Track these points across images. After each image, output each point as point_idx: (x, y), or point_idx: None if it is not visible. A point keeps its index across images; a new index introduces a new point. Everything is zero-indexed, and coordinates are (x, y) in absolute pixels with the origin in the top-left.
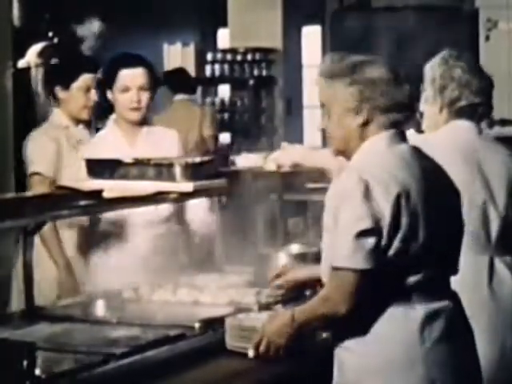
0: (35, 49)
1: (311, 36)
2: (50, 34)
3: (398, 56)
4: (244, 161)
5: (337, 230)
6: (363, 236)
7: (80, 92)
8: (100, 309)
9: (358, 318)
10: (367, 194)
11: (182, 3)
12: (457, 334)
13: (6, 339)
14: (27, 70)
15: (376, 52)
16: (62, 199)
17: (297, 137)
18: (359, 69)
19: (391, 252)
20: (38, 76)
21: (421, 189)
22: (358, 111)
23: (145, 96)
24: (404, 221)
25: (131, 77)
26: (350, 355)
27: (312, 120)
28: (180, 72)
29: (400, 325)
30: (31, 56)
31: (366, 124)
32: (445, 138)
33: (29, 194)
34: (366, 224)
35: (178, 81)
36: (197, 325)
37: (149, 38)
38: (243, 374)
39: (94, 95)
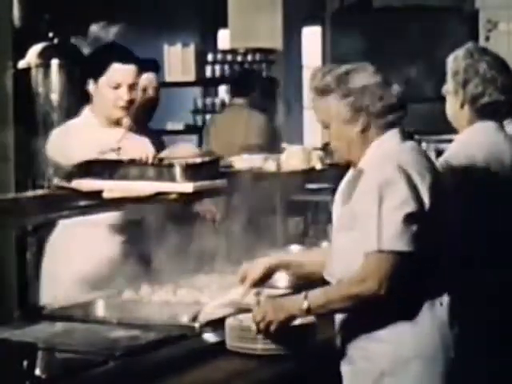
0: (35, 49)
1: (311, 37)
2: (50, 34)
3: (398, 56)
4: (242, 162)
5: (382, 216)
6: (409, 220)
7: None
8: (100, 309)
9: (391, 305)
10: (409, 180)
11: (183, 4)
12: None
13: (6, 339)
14: (27, 70)
15: (376, 52)
16: (62, 199)
17: (297, 137)
18: (347, 79)
19: (430, 238)
20: (38, 76)
21: (436, 181)
22: (355, 120)
23: (134, 95)
24: (439, 208)
25: (123, 73)
26: (382, 345)
27: (312, 120)
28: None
29: (429, 311)
30: (31, 56)
31: (364, 131)
32: (470, 142)
33: (29, 193)
34: (412, 207)
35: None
36: (197, 325)
37: (149, 39)
38: (243, 373)
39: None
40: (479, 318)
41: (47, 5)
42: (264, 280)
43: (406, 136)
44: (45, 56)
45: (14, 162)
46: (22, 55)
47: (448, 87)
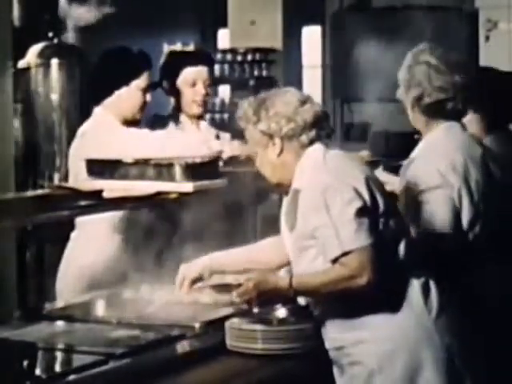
0: (35, 49)
1: (311, 36)
2: (50, 34)
3: (398, 56)
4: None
5: (334, 221)
6: (360, 214)
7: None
8: (100, 309)
9: (369, 302)
10: (346, 181)
11: (182, 3)
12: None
13: (6, 339)
14: (27, 70)
15: (376, 52)
16: (62, 199)
17: None
18: (262, 107)
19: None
20: (38, 76)
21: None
22: (271, 145)
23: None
24: (379, 199)
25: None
26: (366, 346)
27: None
28: None
29: (406, 301)
30: (31, 56)
31: (281, 153)
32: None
33: (29, 193)
34: (359, 203)
35: None
36: (197, 325)
37: (149, 38)
38: (243, 373)
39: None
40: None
41: (47, 5)
42: (200, 280)
43: (326, 149)
44: (45, 56)
45: (13, 162)
46: (22, 55)
47: (400, 92)
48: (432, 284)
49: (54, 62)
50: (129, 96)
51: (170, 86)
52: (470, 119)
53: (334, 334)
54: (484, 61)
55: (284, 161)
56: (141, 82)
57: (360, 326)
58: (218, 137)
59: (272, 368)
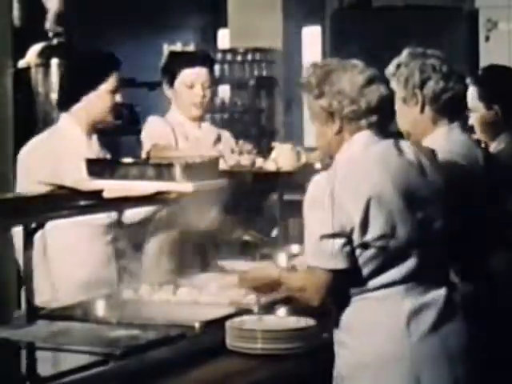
0: (35, 49)
1: (311, 36)
2: (50, 34)
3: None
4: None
5: (305, 232)
6: (327, 238)
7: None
8: (100, 309)
9: (340, 311)
10: (332, 200)
11: (182, 3)
12: (448, 323)
13: (6, 339)
14: (27, 70)
15: (376, 52)
16: (62, 199)
17: (297, 137)
18: (326, 80)
19: (367, 250)
20: (37, 76)
21: (399, 185)
22: (330, 122)
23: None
24: (376, 221)
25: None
26: (342, 349)
27: None
28: None
29: (387, 319)
30: (31, 56)
31: (339, 132)
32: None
33: (29, 193)
34: (329, 229)
35: None
36: (197, 325)
37: (149, 38)
38: (243, 374)
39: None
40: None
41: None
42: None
43: (377, 139)
44: (45, 56)
45: (13, 162)
46: (22, 55)
47: (399, 96)
48: (432, 306)
49: (54, 62)
50: (98, 100)
51: (169, 87)
52: (478, 118)
53: (333, 328)
54: (484, 61)
55: (340, 140)
56: (109, 84)
57: (346, 328)
58: (219, 137)
59: (272, 368)
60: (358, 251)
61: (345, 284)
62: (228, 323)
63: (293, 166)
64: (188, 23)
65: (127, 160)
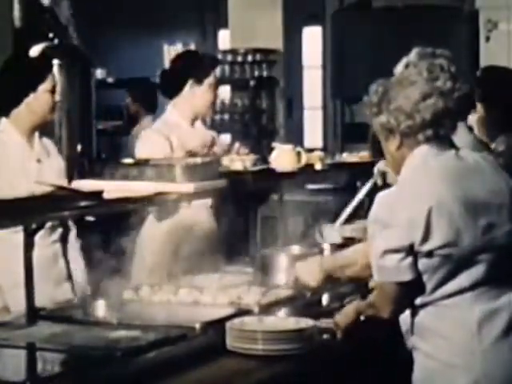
0: (35, 49)
1: (312, 36)
2: (50, 34)
3: (398, 57)
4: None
5: (372, 247)
6: (391, 254)
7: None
8: (100, 309)
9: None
10: (394, 215)
11: (183, 3)
12: None
13: (6, 339)
14: None
15: (376, 52)
16: (62, 199)
17: (297, 138)
18: (385, 97)
19: (432, 259)
20: None
21: (459, 193)
22: (391, 138)
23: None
24: (439, 230)
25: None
26: (416, 353)
27: (313, 121)
28: None
29: (458, 326)
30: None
31: (399, 148)
32: None
33: (29, 194)
34: (392, 245)
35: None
36: (197, 325)
37: (149, 38)
38: (243, 374)
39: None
40: None
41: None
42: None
43: (436, 152)
44: (44, 56)
45: None
46: None
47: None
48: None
49: (54, 62)
50: (37, 101)
51: (175, 90)
52: (478, 119)
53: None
54: (484, 61)
55: (403, 154)
56: (47, 84)
57: (419, 334)
58: (212, 137)
59: (272, 368)
60: (423, 261)
61: (412, 294)
62: (228, 324)
63: (293, 166)
64: (188, 23)
65: (127, 160)
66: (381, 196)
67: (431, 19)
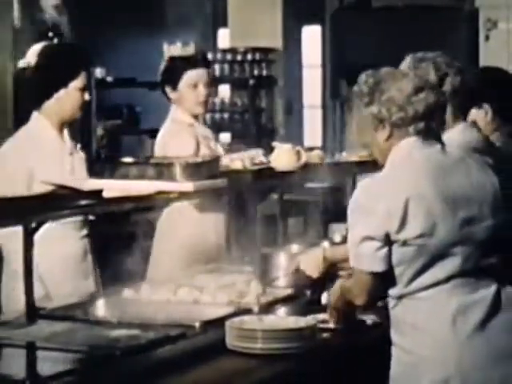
0: (35, 49)
1: (311, 36)
2: (50, 34)
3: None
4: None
5: (349, 233)
6: (368, 241)
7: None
8: (100, 309)
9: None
10: (374, 203)
11: (182, 3)
12: (495, 322)
13: (6, 339)
14: (27, 70)
15: (376, 52)
16: (62, 199)
17: (297, 137)
18: (377, 88)
19: (407, 249)
20: None
21: (440, 186)
22: (381, 128)
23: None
24: (416, 220)
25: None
26: (394, 348)
27: (312, 120)
28: None
29: (433, 319)
30: (31, 56)
31: (390, 137)
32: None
33: (29, 194)
34: (368, 231)
35: None
36: (197, 324)
37: (148, 37)
38: (243, 373)
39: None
40: None
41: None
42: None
43: (422, 145)
44: (44, 55)
45: None
46: (22, 55)
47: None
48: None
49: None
50: (68, 98)
51: (172, 90)
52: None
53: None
54: (484, 60)
55: (390, 146)
56: (78, 82)
57: (395, 328)
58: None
59: (272, 368)
60: (399, 250)
61: (385, 286)
62: (228, 323)
63: (292, 165)
64: (188, 23)
65: (127, 160)
66: (363, 183)
67: (431, 19)
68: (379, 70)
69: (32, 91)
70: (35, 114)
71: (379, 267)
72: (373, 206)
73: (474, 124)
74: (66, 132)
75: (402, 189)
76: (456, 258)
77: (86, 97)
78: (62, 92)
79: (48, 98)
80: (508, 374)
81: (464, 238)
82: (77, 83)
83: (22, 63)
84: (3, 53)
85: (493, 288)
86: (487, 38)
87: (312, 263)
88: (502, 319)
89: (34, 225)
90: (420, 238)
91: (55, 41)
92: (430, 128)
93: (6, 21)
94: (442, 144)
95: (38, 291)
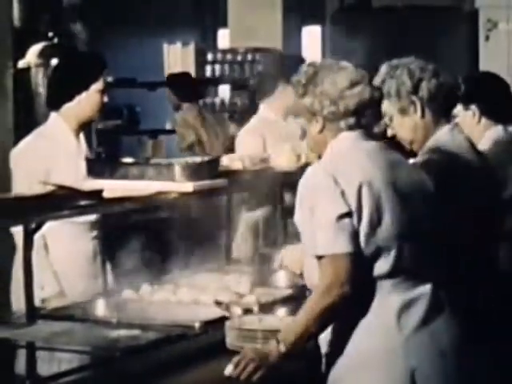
0: (35, 49)
1: (311, 36)
2: (50, 34)
3: (398, 56)
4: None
5: (315, 222)
6: (342, 219)
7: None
8: (100, 309)
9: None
10: (336, 184)
11: (182, 3)
12: (437, 319)
13: (6, 339)
14: (27, 70)
15: (375, 52)
16: (62, 199)
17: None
18: (313, 80)
19: (360, 239)
20: (38, 76)
21: (385, 178)
22: (314, 120)
23: None
24: (367, 207)
25: None
26: (331, 355)
27: None
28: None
29: (376, 315)
30: (31, 56)
31: (322, 131)
32: None
33: (29, 194)
34: (343, 208)
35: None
36: (197, 325)
37: (149, 38)
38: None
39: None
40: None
41: (47, 5)
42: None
43: (362, 140)
44: (45, 56)
45: None
46: (22, 55)
47: (395, 108)
48: (422, 298)
49: (54, 62)
50: (88, 100)
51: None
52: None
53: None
54: (483, 60)
55: (324, 139)
56: (98, 84)
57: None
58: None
59: (272, 368)
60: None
61: (358, 269)
62: (228, 323)
63: (293, 166)
64: (188, 23)
65: (127, 160)
66: (314, 168)
67: (431, 19)
68: (320, 62)
69: (51, 92)
70: (53, 115)
71: (357, 247)
72: (334, 185)
73: (457, 125)
74: (81, 135)
75: (355, 175)
76: (396, 252)
77: (105, 99)
78: (83, 94)
79: (70, 100)
80: (451, 369)
81: (408, 233)
82: (97, 86)
83: (21, 63)
84: (3, 53)
85: (429, 287)
86: (487, 38)
87: (295, 258)
88: (444, 318)
89: (33, 225)
90: (369, 225)
91: (55, 41)
92: (361, 124)
93: (6, 21)
94: (380, 142)
95: (53, 288)
